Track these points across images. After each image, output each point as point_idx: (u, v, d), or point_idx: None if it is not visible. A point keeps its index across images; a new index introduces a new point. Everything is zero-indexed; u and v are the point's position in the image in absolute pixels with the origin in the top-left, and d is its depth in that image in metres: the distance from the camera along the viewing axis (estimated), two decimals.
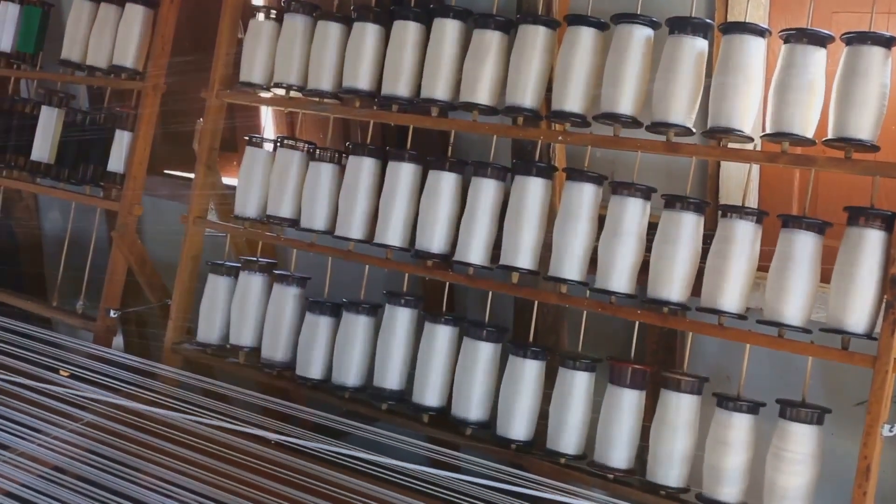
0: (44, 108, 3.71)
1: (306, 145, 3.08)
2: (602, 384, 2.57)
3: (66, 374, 2.99)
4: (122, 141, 3.51)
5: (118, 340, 3.72)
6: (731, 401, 2.39)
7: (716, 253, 2.41)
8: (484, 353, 2.71)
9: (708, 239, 2.44)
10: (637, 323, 2.54)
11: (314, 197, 3.00)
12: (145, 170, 3.47)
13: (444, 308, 2.91)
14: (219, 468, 2.44)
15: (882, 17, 2.47)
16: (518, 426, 2.65)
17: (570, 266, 2.58)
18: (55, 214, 4.51)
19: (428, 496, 2.38)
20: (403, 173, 2.85)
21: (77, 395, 2.76)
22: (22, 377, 2.86)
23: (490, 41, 2.74)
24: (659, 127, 2.50)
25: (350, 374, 2.92)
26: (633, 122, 2.56)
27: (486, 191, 2.72)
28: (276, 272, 3.13)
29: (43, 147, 3.69)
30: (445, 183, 2.79)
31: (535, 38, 2.67)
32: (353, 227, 2.93)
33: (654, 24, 2.54)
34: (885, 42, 2.26)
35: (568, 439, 2.58)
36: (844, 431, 2.47)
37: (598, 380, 2.60)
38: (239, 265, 3.20)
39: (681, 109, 2.47)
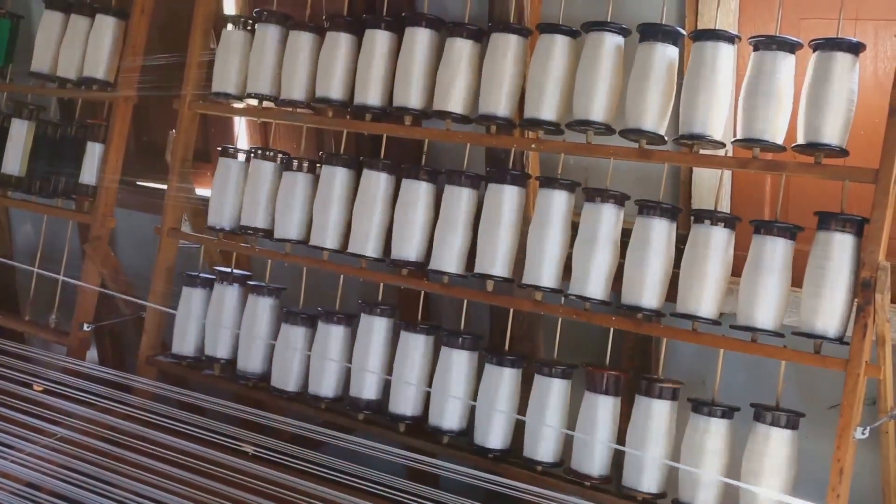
0: (14, 121, 3.67)
1: (280, 155, 3.07)
2: (578, 391, 2.57)
3: (39, 388, 2.97)
4: (93, 153, 3.48)
5: (92, 354, 3.69)
6: (706, 406, 2.40)
7: (689, 258, 2.42)
8: (460, 361, 2.71)
9: (681, 244, 2.46)
10: (612, 329, 2.55)
11: (288, 207, 2.99)
12: (118, 182, 3.45)
13: (419, 317, 2.91)
14: (195, 482, 2.43)
15: (849, 23, 2.49)
16: (495, 434, 2.65)
17: (544, 273, 2.59)
18: (27, 228, 4.47)
19: None
20: (377, 182, 2.85)
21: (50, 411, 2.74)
22: None
23: (462, 50, 2.75)
24: (631, 134, 2.51)
25: (326, 384, 2.91)
26: (606, 129, 2.57)
27: (460, 199, 2.72)
28: (251, 283, 3.12)
29: (14, 160, 3.66)
30: (419, 192, 2.79)
31: (507, 46, 2.68)
32: (328, 237, 2.92)
33: (624, 32, 2.56)
34: (853, 48, 2.28)
35: (545, 447, 2.58)
36: (818, 434, 2.48)
37: (575, 386, 2.60)
38: (213, 277, 3.18)
39: (653, 116, 2.48)
